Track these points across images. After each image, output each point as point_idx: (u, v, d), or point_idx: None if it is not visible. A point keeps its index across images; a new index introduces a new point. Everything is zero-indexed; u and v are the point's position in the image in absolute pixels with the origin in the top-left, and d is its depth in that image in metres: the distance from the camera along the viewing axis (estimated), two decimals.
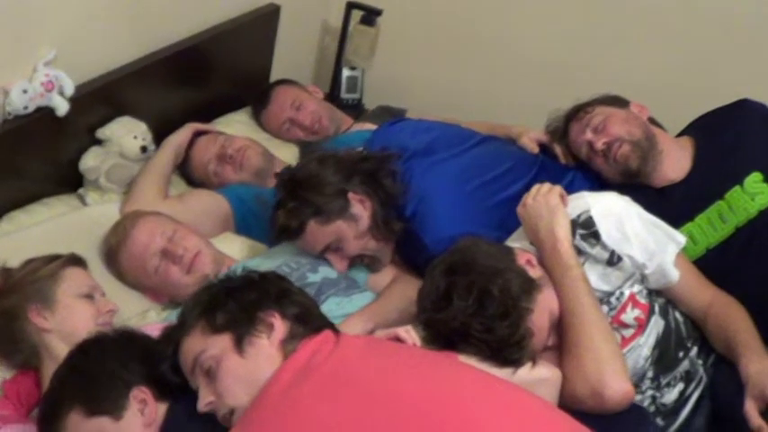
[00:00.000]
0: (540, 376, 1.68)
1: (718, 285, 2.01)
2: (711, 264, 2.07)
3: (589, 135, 2.27)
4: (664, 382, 1.95)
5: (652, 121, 2.34)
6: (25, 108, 2.16)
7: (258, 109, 3.00)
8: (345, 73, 3.51)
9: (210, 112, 2.92)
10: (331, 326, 1.62)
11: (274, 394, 1.41)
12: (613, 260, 1.87)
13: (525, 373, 1.67)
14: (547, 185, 1.95)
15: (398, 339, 1.70)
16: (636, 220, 1.90)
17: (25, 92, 2.14)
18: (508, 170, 2.25)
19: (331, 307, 2.05)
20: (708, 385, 1.97)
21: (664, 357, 1.95)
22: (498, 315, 1.65)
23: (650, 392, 1.95)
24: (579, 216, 1.90)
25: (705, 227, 2.13)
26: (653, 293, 1.96)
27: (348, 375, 1.41)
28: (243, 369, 1.49)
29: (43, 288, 1.88)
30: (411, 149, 2.25)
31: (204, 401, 1.50)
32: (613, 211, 1.90)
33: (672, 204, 2.16)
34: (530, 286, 1.73)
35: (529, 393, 1.50)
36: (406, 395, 1.37)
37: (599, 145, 2.24)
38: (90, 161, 2.43)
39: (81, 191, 2.45)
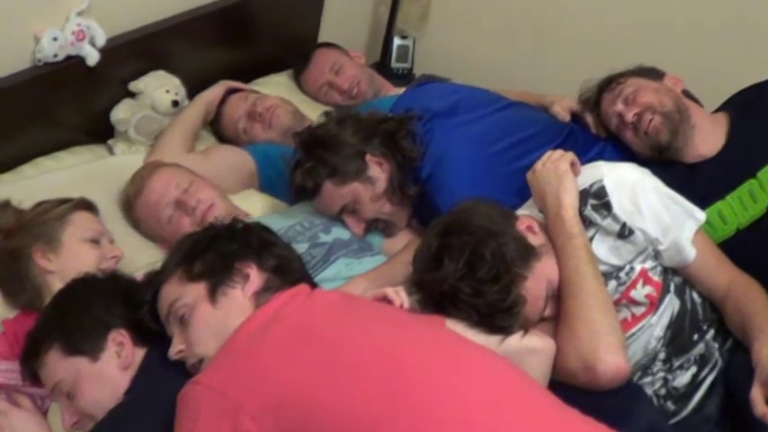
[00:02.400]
0: (530, 346, 1.63)
1: (747, 267, 1.91)
2: (742, 244, 1.98)
3: (620, 106, 2.19)
4: (676, 364, 1.87)
5: (687, 94, 2.24)
6: (55, 56, 2.20)
7: (298, 70, 2.99)
8: (396, 42, 3.47)
9: (251, 71, 2.93)
10: (309, 280, 1.60)
11: (236, 344, 1.41)
12: (624, 233, 1.79)
13: (515, 341, 1.62)
14: (559, 152, 1.88)
15: (387, 299, 1.67)
16: (651, 192, 1.82)
17: (55, 39, 2.18)
18: (532, 135, 2.18)
19: (340, 268, 2.05)
20: (723, 370, 1.88)
21: (677, 339, 1.86)
22: (489, 279, 1.61)
23: (661, 374, 1.87)
24: (592, 185, 1.82)
25: (736, 206, 2.03)
26: (669, 272, 1.88)
27: (309, 331, 1.39)
28: (213, 318, 1.49)
29: (50, 230, 1.92)
30: (433, 110, 2.21)
31: (175, 349, 1.51)
32: (627, 182, 1.82)
33: (702, 181, 2.07)
34: (527, 252, 1.68)
35: (505, 364, 1.45)
36: (364, 356, 1.34)
37: (629, 117, 2.16)
38: (121, 113, 2.46)
39: (110, 141, 2.49)
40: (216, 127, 2.66)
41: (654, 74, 2.25)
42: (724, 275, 1.88)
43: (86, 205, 2.01)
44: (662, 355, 1.86)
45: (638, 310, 1.84)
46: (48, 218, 1.93)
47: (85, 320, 1.62)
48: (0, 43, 2.12)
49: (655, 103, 2.14)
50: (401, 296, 1.68)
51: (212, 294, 1.50)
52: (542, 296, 1.69)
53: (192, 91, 2.64)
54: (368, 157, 2.10)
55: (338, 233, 2.14)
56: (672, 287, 1.86)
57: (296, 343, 1.37)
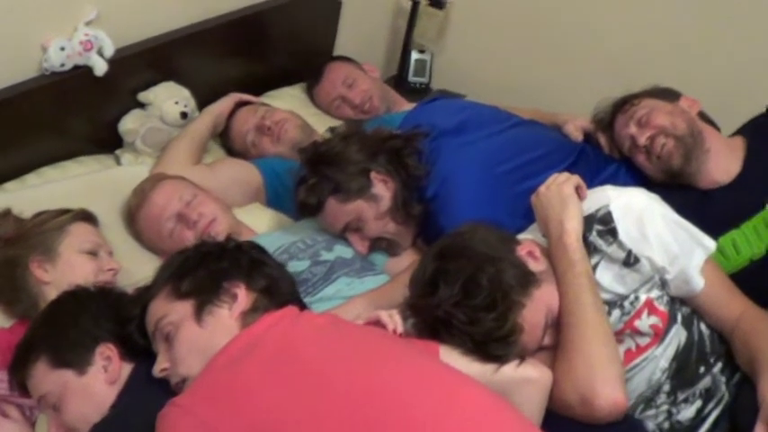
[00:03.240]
0: (526, 376, 1.58)
1: (761, 299, 1.84)
2: (755, 275, 1.92)
3: (633, 129, 2.14)
4: (681, 397, 1.81)
5: (703, 116, 2.18)
6: (62, 65, 2.20)
7: (311, 84, 2.97)
8: (414, 56, 3.45)
9: (263, 84, 2.91)
10: (298, 301, 1.57)
11: (217, 366, 1.38)
12: (630, 261, 1.73)
13: (510, 371, 1.57)
14: (564, 175, 1.83)
15: (381, 323, 1.63)
16: (659, 219, 1.76)
17: (63, 49, 2.18)
18: (542, 156, 2.14)
19: (341, 287, 2.01)
20: (729, 405, 1.82)
21: (683, 371, 1.80)
22: (484, 306, 1.56)
23: (665, 408, 1.81)
24: (598, 211, 1.77)
25: (750, 235, 1.97)
26: (677, 301, 1.82)
27: (290, 356, 1.36)
28: (199, 338, 1.47)
29: (47, 240, 1.91)
30: (440, 128, 2.17)
31: (159, 367, 1.50)
32: (634, 208, 1.76)
33: (716, 209, 2.02)
34: (526, 279, 1.63)
35: (494, 400, 1.41)
36: (341, 385, 1.31)
37: (642, 140, 2.11)
38: (129, 123, 2.45)
39: (118, 152, 2.47)
40: (225, 140, 2.65)
41: (669, 95, 2.20)
42: (734, 307, 1.81)
43: (86, 216, 2.00)
44: (666, 388, 1.80)
45: (643, 341, 1.79)
46: (46, 228, 1.92)
47: (73, 333, 1.60)
48: (7, 52, 2.12)
49: (668, 125, 2.09)
50: (395, 320, 1.64)
51: (199, 313, 1.48)
52: (541, 325, 1.64)
53: (204, 103, 2.62)
54: (372, 174, 2.07)
55: (341, 251, 2.11)
56: (679, 318, 1.80)
57: (275, 368, 1.34)
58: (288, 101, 2.87)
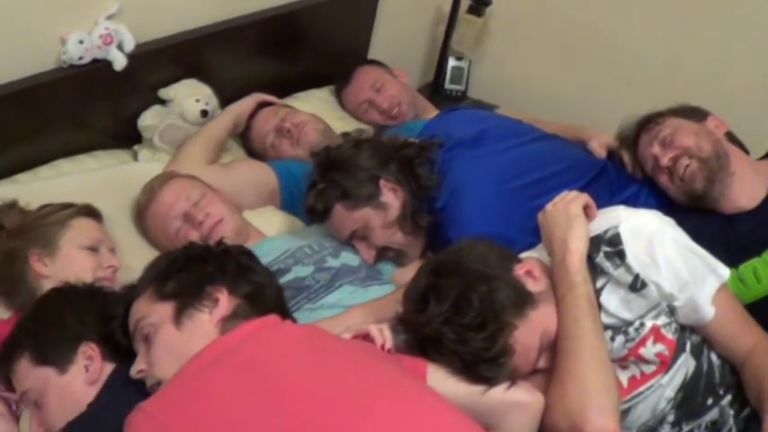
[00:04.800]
0: (516, 399, 1.53)
1: None
2: None
3: (656, 149, 2.07)
4: (686, 429, 1.74)
5: (731, 138, 2.10)
6: (80, 58, 2.19)
7: (340, 86, 2.94)
8: (451, 63, 3.41)
9: (292, 85, 2.89)
10: (282, 310, 1.53)
11: (190, 371, 1.36)
12: (637, 285, 1.66)
13: (499, 393, 1.52)
14: (573, 193, 1.77)
15: (370, 337, 1.59)
16: (670, 244, 1.68)
17: (81, 42, 2.17)
18: (560, 172, 2.07)
19: (343, 295, 1.98)
20: None
21: (689, 402, 1.73)
22: (474, 325, 1.51)
23: None
24: (606, 231, 1.70)
25: None
26: (687, 329, 1.74)
27: (261, 369, 1.33)
28: (176, 341, 1.45)
29: (48, 234, 1.90)
30: (456, 138, 2.13)
31: (136, 368, 1.48)
32: (645, 231, 1.68)
33: (739, 235, 1.94)
34: (521, 300, 1.57)
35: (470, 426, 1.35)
36: (306, 403, 1.27)
37: (665, 161, 2.04)
38: (148, 119, 2.44)
39: (136, 147, 2.47)
40: (245, 140, 2.63)
41: (696, 114, 2.12)
42: (747, 339, 1.72)
43: (89, 212, 1.99)
44: (671, 418, 1.73)
45: (648, 369, 1.71)
46: (48, 221, 1.92)
47: (57, 331, 1.60)
48: (26, 44, 2.12)
49: (692, 146, 2.02)
50: (384, 335, 1.60)
51: (178, 316, 1.46)
52: (535, 347, 1.58)
53: (228, 101, 2.60)
54: (382, 182, 2.04)
55: (347, 258, 2.07)
56: (688, 346, 1.72)
57: (244, 380, 1.31)
58: (314, 103, 2.84)
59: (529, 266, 1.64)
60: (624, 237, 1.68)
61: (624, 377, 1.73)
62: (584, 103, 3.13)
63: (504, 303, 1.54)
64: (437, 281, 1.57)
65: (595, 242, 1.70)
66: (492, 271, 1.58)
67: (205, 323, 1.46)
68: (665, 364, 1.70)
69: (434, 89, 3.43)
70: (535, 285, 1.63)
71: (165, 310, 1.48)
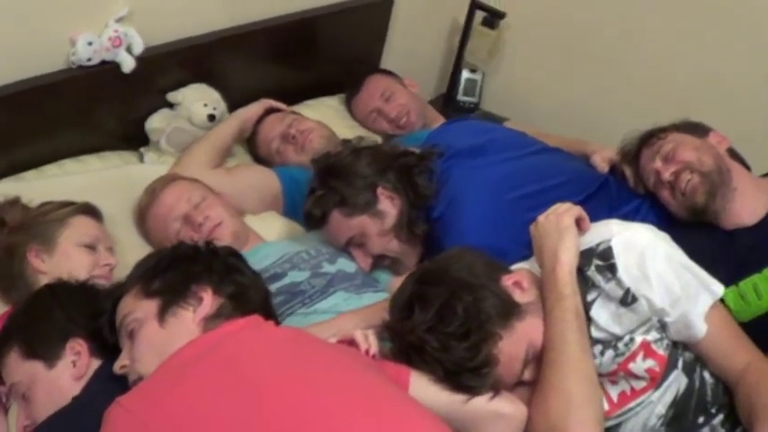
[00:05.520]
0: (498, 410, 1.53)
1: None
2: None
3: (658, 163, 2.05)
4: None
5: (733, 154, 2.08)
6: (89, 60, 2.22)
7: (350, 95, 2.95)
8: (465, 75, 3.42)
9: (301, 92, 2.90)
10: (266, 311, 1.54)
11: (169, 367, 1.37)
12: (627, 300, 1.65)
13: (482, 403, 1.52)
14: (566, 205, 1.76)
15: (355, 343, 1.59)
16: (662, 259, 1.66)
17: (90, 44, 2.20)
18: (558, 185, 2.06)
19: (337, 301, 1.98)
20: None
21: (680, 419, 1.71)
22: (458, 335, 1.51)
23: None
24: (599, 245, 1.69)
25: None
26: (679, 346, 1.72)
27: (239, 368, 1.34)
28: (159, 338, 1.46)
29: (47, 231, 1.92)
30: (456, 148, 2.13)
31: (120, 364, 1.50)
32: (637, 245, 1.67)
33: (740, 251, 1.92)
34: (507, 310, 1.57)
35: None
36: (279, 406, 1.28)
37: (666, 175, 2.02)
38: (156, 122, 2.46)
39: (142, 149, 2.49)
40: (251, 145, 2.64)
41: (698, 130, 2.11)
42: (740, 358, 1.70)
43: (88, 210, 2.01)
44: None
45: (638, 384, 1.70)
46: (48, 218, 1.94)
47: (46, 327, 1.62)
48: (36, 44, 2.15)
49: (694, 161, 2.00)
50: (369, 341, 1.60)
51: (162, 313, 1.48)
52: (520, 358, 1.57)
53: (237, 107, 2.62)
54: (379, 190, 2.04)
55: (343, 264, 2.08)
56: (680, 363, 1.71)
57: (222, 378, 1.31)
58: (324, 111, 2.86)
59: (517, 277, 1.64)
60: (616, 250, 1.67)
61: (614, 392, 1.72)
62: (597, 117, 3.12)
63: (490, 313, 1.54)
64: (423, 289, 1.57)
65: (587, 255, 1.69)
66: (478, 280, 1.57)
67: (188, 321, 1.48)
68: (656, 381, 1.69)
69: (447, 101, 3.44)
70: (523, 296, 1.62)
71: (149, 306, 1.50)
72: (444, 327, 1.51)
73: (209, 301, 1.50)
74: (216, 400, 1.27)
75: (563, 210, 1.74)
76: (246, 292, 1.56)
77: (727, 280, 1.83)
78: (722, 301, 1.81)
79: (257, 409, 1.26)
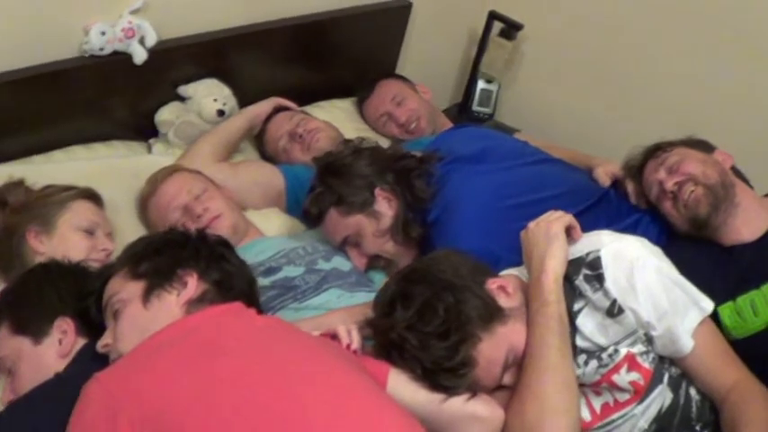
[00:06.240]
0: (474, 412, 1.53)
1: None
2: None
3: (662, 174, 2.06)
4: None
5: (736, 172, 2.10)
6: (101, 49, 2.24)
7: (361, 98, 2.96)
8: (480, 85, 3.41)
9: (313, 93, 2.92)
10: (250, 300, 1.55)
11: (146, 348, 1.40)
12: (614, 311, 1.65)
13: (458, 404, 1.53)
14: (557, 213, 1.76)
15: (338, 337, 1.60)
16: (651, 272, 1.66)
17: (103, 34, 2.23)
18: (555, 196, 2.06)
19: (330, 298, 2.00)
20: None
21: None
22: (437, 334, 1.52)
23: None
24: (588, 254, 1.69)
25: None
26: (666, 361, 1.71)
27: (214, 351, 1.36)
28: (141, 319, 1.49)
29: (48, 213, 1.96)
30: (457, 153, 2.15)
31: (103, 342, 1.53)
32: (626, 257, 1.67)
33: (738, 266, 1.92)
34: (489, 313, 1.57)
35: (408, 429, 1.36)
36: (250, 392, 1.29)
37: (669, 185, 2.03)
38: (165, 114, 2.49)
39: (151, 141, 2.52)
40: (258, 142, 2.66)
41: (704, 146, 2.13)
42: (728, 376, 1.69)
43: (89, 195, 2.04)
44: None
45: (622, 397, 1.70)
46: (49, 201, 1.98)
47: (36, 304, 1.65)
48: (50, 31, 2.18)
49: (698, 174, 2.01)
50: (352, 336, 1.61)
51: (147, 295, 1.51)
52: (499, 362, 1.58)
53: (249, 104, 2.64)
54: (377, 190, 2.06)
55: (339, 263, 2.10)
56: (665, 378, 1.70)
57: (194, 361, 1.34)
58: (334, 113, 2.87)
59: (502, 282, 1.64)
60: (605, 261, 1.67)
61: (598, 403, 1.72)
62: (611, 134, 3.10)
63: (471, 315, 1.54)
64: (406, 287, 1.58)
65: (576, 264, 1.70)
66: (462, 282, 1.58)
67: (171, 304, 1.51)
68: (640, 394, 1.68)
69: (462, 110, 3.44)
70: (507, 301, 1.63)
71: (135, 288, 1.53)
72: (424, 325, 1.52)
73: (193, 285, 1.53)
74: (181, 381, 1.29)
75: (554, 218, 1.74)
76: (231, 280, 1.59)
77: (725, 296, 1.84)
78: (717, 316, 1.81)
79: (223, 393, 1.27)
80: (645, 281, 1.65)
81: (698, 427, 1.72)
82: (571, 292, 1.68)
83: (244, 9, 2.61)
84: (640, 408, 1.68)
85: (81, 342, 1.63)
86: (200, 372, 1.31)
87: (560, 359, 1.56)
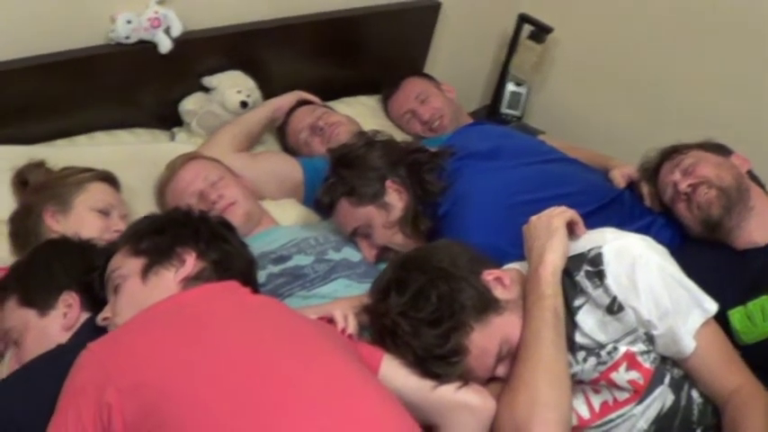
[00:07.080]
0: (464, 401, 1.53)
1: None
2: None
3: (677, 176, 2.06)
4: None
5: (752, 177, 2.08)
6: (127, 38, 2.30)
7: (386, 95, 2.98)
8: (510, 87, 3.41)
9: (338, 89, 2.94)
10: (246, 279, 1.58)
11: (140, 318, 1.43)
12: (614, 308, 1.64)
13: (448, 392, 1.54)
14: (560, 208, 1.76)
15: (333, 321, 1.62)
16: (654, 270, 1.64)
17: (129, 22, 2.28)
18: (567, 194, 2.04)
19: (338, 287, 2.02)
20: None
21: None
22: (429, 321, 1.53)
23: None
24: (590, 250, 1.69)
25: None
26: (668, 362, 1.69)
27: (202, 324, 1.39)
28: (139, 294, 1.52)
29: (65, 193, 2.01)
30: (470, 149, 2.15)
31: (102, 315, 1.57)
32: (628, 254, 1.65)
33: (750, 271, 1.90)
34: (484, 304, 1.58)
35: (393, 414, 1.36)
36: (234, 367, 1.31)
37: (683, 186, 2.02)
38: (189, 104, 2.53)
39: (175, 129, 2.56)
40: (280, 135, 2.69)
41: (720, 150, 2.12)
42: (731, 379, 1.66)
43: (106, 178, 2.09)
44: None
45: (621, 396, 1.68)
46: (67, 182, 2.03)
47: (44, 277, 1.69)
48: (78, 18, 2.24)
49: (712, 177, 2.01)
50: (348, 321, 1.63)
51: (146, 271, 1.55)
52: (492, 353, 1.58)
53: (273, 97, 2.67)
54: (388, 183, 2.07)
55: (349, 253, 2.11)
56: (667, 379, 1.68)
57: (183, 334, 1.37)
58: (358, 109, 2.89)
59: (499, 274, 1.65)
60: (606, 258, 1.66)
61: (597, 401, 1.71)
62: (640, 139, 3.03)
63: (464, 304, 1.55)
64: (402, 274, 1.59)
65: (578, 260, 1.69)
66: (458, 272, 1.59)
67: (169, 280, 1.54)
68: (640, 393, 1.66)
69: (491, 112, 3.44)
70: (504, 293, 1.63)
71: (135, 264, 1.56)
72: (416, 312, 1.53)
73: (191, 263, 1.56)
74: (168, 353, 1.32)
75: (556, 212, 1.74)
76: (229, 260, 1.61)
77: (736, 300, 1.82)
78: (728, 320, 1.79)
79: (204, 364, 1.30)
80: (647, 279, 1.63)
81: (699, 431, 1.69)
82: (572, 288, 1.68)
83: (271, 3, 2.65)
84: (640, 408, 1.67)
85: (85, 316, 1.67)
86: (185, 343, 1.34)
87: (555, 352, 1.56)
